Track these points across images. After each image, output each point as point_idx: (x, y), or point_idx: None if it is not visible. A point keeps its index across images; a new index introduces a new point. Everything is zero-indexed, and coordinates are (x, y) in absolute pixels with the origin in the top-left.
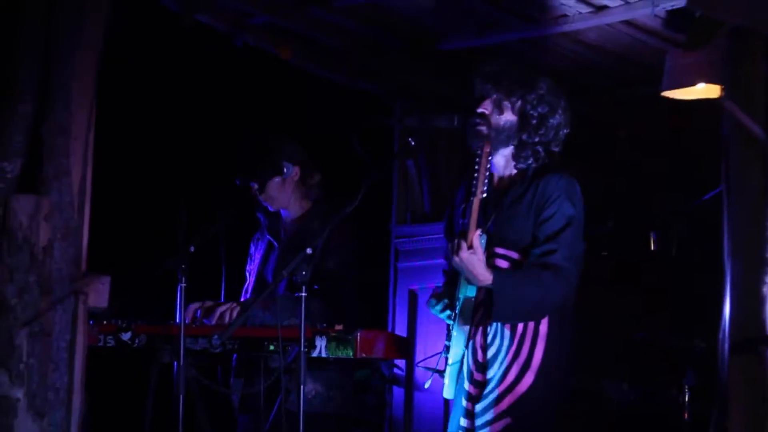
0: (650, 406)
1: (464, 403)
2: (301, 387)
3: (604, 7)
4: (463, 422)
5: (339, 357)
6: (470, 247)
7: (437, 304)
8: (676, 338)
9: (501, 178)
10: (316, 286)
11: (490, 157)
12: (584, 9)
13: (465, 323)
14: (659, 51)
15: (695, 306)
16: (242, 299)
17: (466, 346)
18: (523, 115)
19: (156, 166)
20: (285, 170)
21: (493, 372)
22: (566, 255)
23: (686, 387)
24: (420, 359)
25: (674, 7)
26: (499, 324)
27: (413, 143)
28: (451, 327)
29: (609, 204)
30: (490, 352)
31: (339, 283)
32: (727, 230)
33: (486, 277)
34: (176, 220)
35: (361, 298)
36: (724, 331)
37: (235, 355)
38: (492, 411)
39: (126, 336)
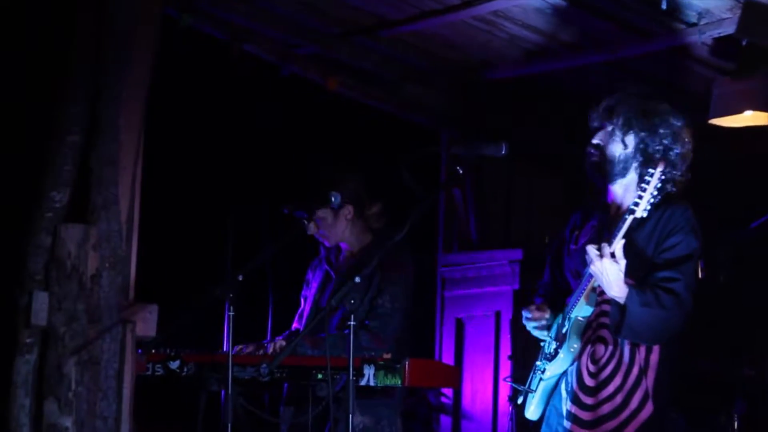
0: None
1: (567, 424)
2: (350, 416)
3: (650, 34)
4: None
5: (387, 385)
6: (613, 255)
7: (537, 321)
8: (725, 366)
9: (620, 207)
10: (367, 321)
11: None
12: (630, 37)
13: (573, 344)
14: (706, 79)
15: (744, 334)
16: (295, 324)
17: (570, 365)
18: (639, 147)
19: (204, 194)
20: (333, 199)
21: (607, 397)
22: (686, 285)
23: (735, 415)
24: (506, 377)
25: (721, 35)
26: (611, 348)
27: (461, 172)
28: (548, 345)
29: None
30: (601, 377)
31: (390, 320)
32: None
33: (622, 288)
34: (224, 248)
35: (409, 328)
36: None
37: (286, 384)
38: None
39: (174, 364)
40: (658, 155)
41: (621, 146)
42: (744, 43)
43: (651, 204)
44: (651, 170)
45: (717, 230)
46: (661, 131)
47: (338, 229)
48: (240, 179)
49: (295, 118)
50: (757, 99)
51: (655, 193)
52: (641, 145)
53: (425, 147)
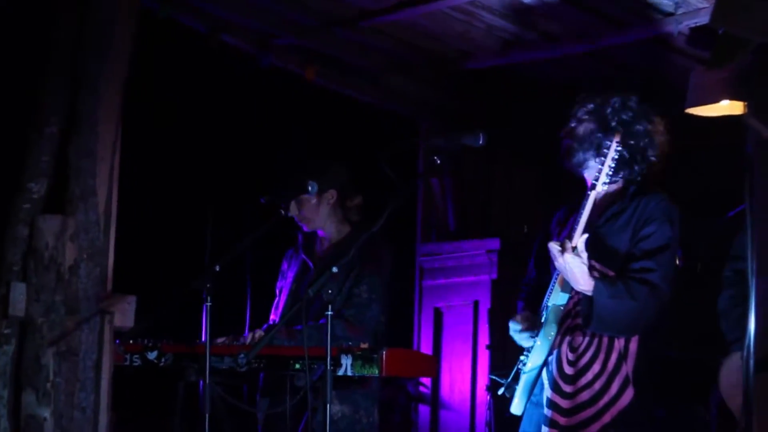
0: (677, 423)
1: (548, 412)
2: (327, 405)
3: (627, 25)
4: (546, 431)
5: (364, 375)
6: (575, 249)
7: (529, 330)
8: (701, 355)
9: (600, 196)
10: (344, 310)
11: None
12: (608, 27)
13: (551, 332)
14: (683, 68)
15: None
16: (271, 316)
17: (549, 356)
18: (595, 115)
19: (182, 186)
20: (309, 188)
21: (586, 384)
22: (663, 275)
23: (713, 404)
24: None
25: (698, 25)
26: (589, 337)
27: (438, 161)
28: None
29: None
30: (580, 364)
31: (366, 310)
32: (751, 248)
33: (588, 282)
34: (202, 239)
35: (387, 318)
36: (748, 348)
37: (262, 374)
38: (596, 424)
39: (152, 355)
40: (614, 123)
41: (586, 126)
42: (720, 32)
43: (609, 176)
44: (608, 142)
45: (694, 219)
46: (615, 102)
47: (320, 213)
48: (218, 170)
49: (274, 109)
50: (733, 88)
51: (613, 164)
52: (596, 112)
53: (404, 139)
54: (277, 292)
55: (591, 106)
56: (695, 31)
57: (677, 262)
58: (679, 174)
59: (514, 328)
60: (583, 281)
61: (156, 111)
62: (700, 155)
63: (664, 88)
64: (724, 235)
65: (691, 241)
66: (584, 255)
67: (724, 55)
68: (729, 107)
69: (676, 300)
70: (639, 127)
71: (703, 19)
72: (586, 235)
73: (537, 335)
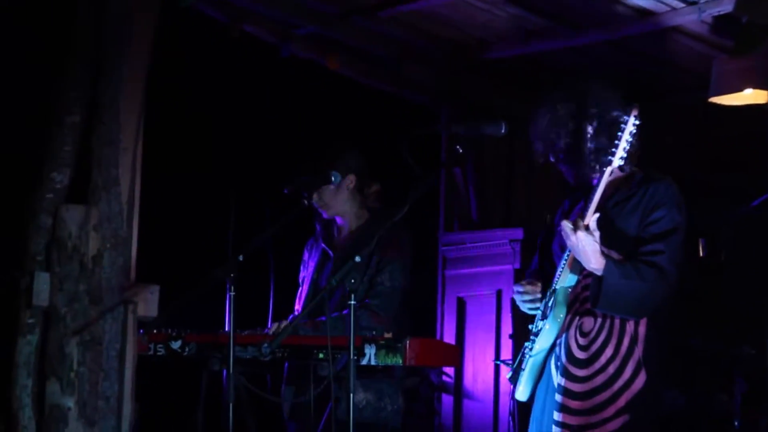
0: (701, 412)
1: (559, 398)
2: (351, 395)
3: (650, 14)
4: (559, 417)
5: (388, 365)
6: (587, 228)
7: (525, 293)
8: (725, 345)
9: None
10: (368, 300)
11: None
12: (629, 15)
13: (560, 314)
14: (706, 57)
15: (745, 312)
16: (296, 306)
17: (558, 338)
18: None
19: (205, 175)
20: (333, 179)
21: (599, 368)
22: (671, 258)
23: (736, 393)
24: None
25: (721, 13)
26: (600, 320)
27: (461, 151)
28: (535, 324)
29: None
30: (592, 349)
31: (390, 298)
32: None
33: (599, 261)
34: (226, 229)
35: (410, 307)
36: None
37: (287, 364)
38: (610, 408)
39: (176, 345)
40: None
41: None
42: (743, 20)
43: (627, 151)
44: (625, 117)
45: (718, 208)
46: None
47: (339, 199)
48: (241, 159)
49: (295, 98)
50: (756, 77)
51: (630, 139)
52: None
53: (425, 126)
54: (300, 281)
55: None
56: (718, 19)
57: (701, 252)
58: (702, 164)
59: (517, 290)
60: (595, 260)
61: (178, 101)
62: (724, 144)
63: (686, 77)
64: (748, 225)
65: (715, 230)
66: (597, 234)
67: (747, 44)
68: (753, 96)
69: (700, 289)
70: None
71: (726, 8)
72: (598, 214)
73: (545, 318)
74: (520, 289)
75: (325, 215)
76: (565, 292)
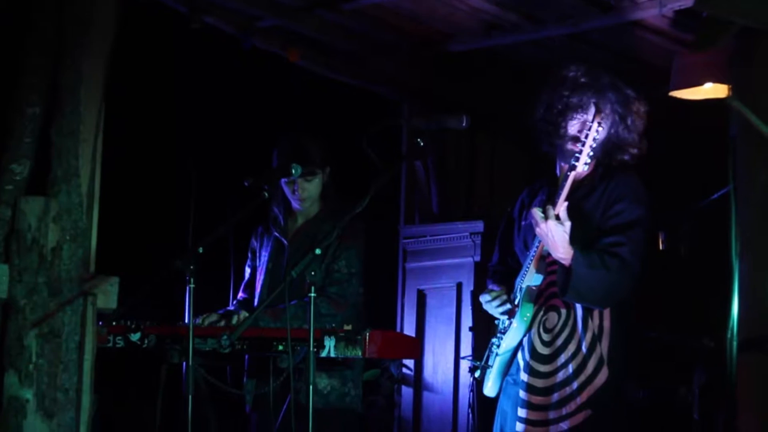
0: (659, 404)
1: (523, 394)
2: (310, 387)
3: (611, 8)
4: (523, 413)
5: (347, 357)
6: (558, 217)
7: (494, 299)
8: (685, 337)
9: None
10: (326, 288)
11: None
12: (591, 9)
13: (526, 313)
14: (667, 51)
15: (704, 305)
16: (239, 295)
17: (524, 336)
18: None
19: (164, 167)
20: (293, 171)
21: (561, 364)
22: (632, 250)
23: (695, 386)
24: (463, 356)
25: (681, 7)
26: (564, 316)
27: (422, 144)
28: (501, 322)
29: None
30: (555, 345)
31: (348, 285)
32: (735, 229)
33: (568, 250)
34: (185, 221)
35: (370, 299)
36: (732, 329)
37: (247, 356)
38: (571, 404)
39: (135, 337)
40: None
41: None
42: (704, 15)
43: (590, 156)
44: (588, 123)
45: (678, 203)
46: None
47: (317, 190)
48: (201, 152)
49: (258, 90)
50: (717, 71)
51: (593, 144)
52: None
53: (386, 120)
54: (247, 270)
55: (583, 79)
56: (679, 14)
57: (661, 245)
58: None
59: (485, 299)
60: (563, 249)
61: (139, 92)
62: (682, 138)
63: (647, 71)
64: (708, 219)
65: (675, 224)
66: (568, 224)
67: (708, 38)
68: (712, 90)
69: (659, 282)
70: (618, 109)
71: (687, 2)
72: (566, 203)
73: (513, 317)
74: (488, 297)
75: (296, 206)
76: (531, 292)
